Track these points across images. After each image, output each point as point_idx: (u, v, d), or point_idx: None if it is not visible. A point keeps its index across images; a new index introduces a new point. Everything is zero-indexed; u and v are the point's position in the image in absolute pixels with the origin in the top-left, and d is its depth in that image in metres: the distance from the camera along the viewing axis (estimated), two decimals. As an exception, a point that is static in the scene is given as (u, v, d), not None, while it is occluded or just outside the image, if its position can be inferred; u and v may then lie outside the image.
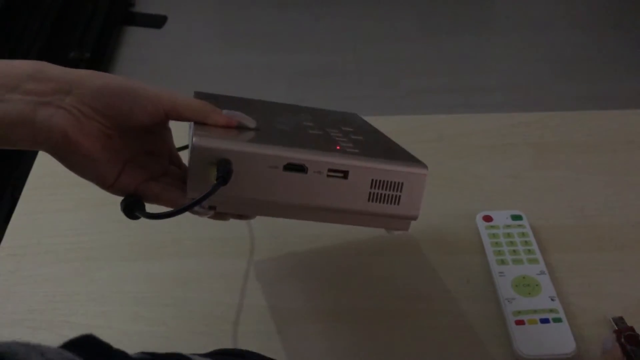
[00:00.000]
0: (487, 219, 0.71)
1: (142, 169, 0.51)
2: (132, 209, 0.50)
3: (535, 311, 0.62)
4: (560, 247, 0.70)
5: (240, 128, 0.51)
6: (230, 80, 2.19)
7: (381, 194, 0.50)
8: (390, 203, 0.51)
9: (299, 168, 0.48)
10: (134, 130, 0.49)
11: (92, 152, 0.47)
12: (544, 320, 0.61)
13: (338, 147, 0.51)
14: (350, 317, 0.64)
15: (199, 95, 0.61)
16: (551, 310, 0.62)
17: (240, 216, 0.55)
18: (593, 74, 2.19)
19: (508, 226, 0.70)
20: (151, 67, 2.25)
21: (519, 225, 0.70)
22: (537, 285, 0.64)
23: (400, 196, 0.51)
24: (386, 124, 0.85)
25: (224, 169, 0.46)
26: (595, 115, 0.85)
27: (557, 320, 0.61)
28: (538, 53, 2.29)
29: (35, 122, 0.44)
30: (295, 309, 0.65)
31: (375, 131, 0.63)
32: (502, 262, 0.67)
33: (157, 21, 2.46)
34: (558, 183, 0.77)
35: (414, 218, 0.52)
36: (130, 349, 0.62)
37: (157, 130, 0.52)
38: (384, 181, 0.50)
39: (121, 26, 2.43)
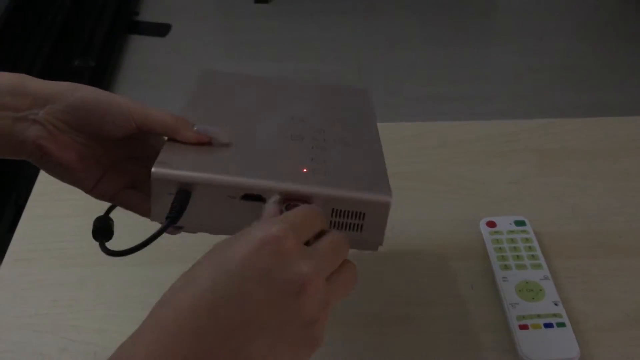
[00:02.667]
0: (491, 224, 0.72)
1: (123, 175, 0.51)
2: (98, 235, 0.52)
3: (539, 316, 0.62)
4: (563, 253, 0.70)
5: (215, 143, 0.50)
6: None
7: (343, 222, 0.48)
8: (353, 230, 0.48)
9: (257, 197, 0.47)
10: (112, 140, 0.50)
11: (66, 162, 0.48)
12: (548, 325, 0.62)
13: (305, 170, 0.49)
14: (354, 322, 0.64)
15: (205, 73, 0.62)
16: (555, 315, 0.63)
17: None
18: (594, 81, 2.19)
19: (511, 232, 0.71)
20: (155, 75, 2.26)
21: (523, 231, 0.71)
22: (540, 290, 0.65)
23: (362, 225, 0.48)
24: (390, 131, 0.86)
25: (177, 207, 0.46)
26: (597, 122, 0.86)
27: (561, 325, 0.62)
28: (540, 61, 2.29)
29: (12, 135, 0.46)
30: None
31: (364, 133, 0.58)
32: (506, 267, 0.67)
33: (161, 30, 2.48)
34: (561, 189, 0.77)
35: (378, 245, 0.50)
36: (137, 353, 0.62)
37: (141, 137, 0.52)
38: (344, 210, 0.47)
39: (126, 34, 2.44)
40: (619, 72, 2.24)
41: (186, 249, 0.71)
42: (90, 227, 0.76)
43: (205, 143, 0.50)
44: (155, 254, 0.71)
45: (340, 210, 0.47)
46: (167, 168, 0.46)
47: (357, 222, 0.48)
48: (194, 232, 0.51)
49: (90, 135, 0.49)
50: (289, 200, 0.46)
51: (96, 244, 0.73)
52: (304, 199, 0.46)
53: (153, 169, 0.46)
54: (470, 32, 2.46)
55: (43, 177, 0.81)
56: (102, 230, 0.54)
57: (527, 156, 0.82)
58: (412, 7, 2.57)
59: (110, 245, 0.51)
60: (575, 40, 2.38)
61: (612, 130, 0.85)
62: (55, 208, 0.77)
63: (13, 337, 0.64)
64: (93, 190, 0.51)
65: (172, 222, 0.46)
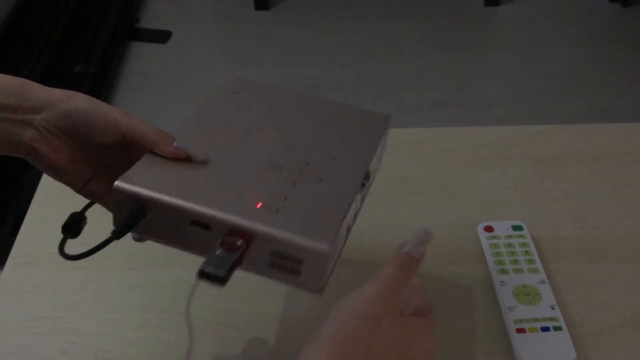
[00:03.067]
0: (489, 229, 0.72)
1: (111, 177, 0.52)
2: (66, 231, 0.56)
3: (536, 319, 0.63)
4: (560, 257, 0.71)
5: (193, 160, 0.52)
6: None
7: (282, 264, 0.47)
8: (291, 274, 0.48)
9: (204, 225, 0.48)
10: (101, 146, 0.52)
11: (58, 164, 0.52)
12: (545, 329, 0.62)
13: (259, 205, 0.49)
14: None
15: (237, 80, 0.63)
16: (552, 319, 0.63)
17: None
18: (593, 88, 2.20)
19: (509, 236, 0.71)
20: (156, 82, 2.27)
21: (520, 236, 0.71)
22: (537, 294, 0.65)
23: (300, 269, 0.47)
24: (390, 137, 0.86)
25: (127, 221, 0.48)
26: (595, 128, 0.87)
27: (558, 328, 0.62)
28: (539, 67, 2.30)
29: (11, 136, 0.50)
30: (301, 316, 0.66)
31: (349, 171, 0.55)
32: (503, 271, 0.68)
33: (161, 37, 2.49)
34: (558, 194, 0.78)
35: (320, 290, 0.48)
36: (137, 356, 0.63)
37: (128, 144, 0.53)
38: (283, 253, 0.47)
39: (126, 41, 2.45)
40: (617, 78, 2.25)
41: (186, 254, 0.72)
42: (92, 231, 0.77)
43: (182, 159, 0.51)
44: (155, 259, 0.72)
45: (280, 252, 0.47)
46: (127, 183, 0.48)
47: (295, 266, 0.47)
48: (156, 242, 0.52)
49: (81, 141, 0.52)
50: (233, 235, 0.47)
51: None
52: (247, 236, 0.47)
53: (115, 182, 0.48)
54: (470, 38, 2.47)
55: (45, 182, 0.82)
56: (71, 227, 0.57)
57: (524, 161, 0.82)
58: (411, 14, 2.58)
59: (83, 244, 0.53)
60: (574, 47, 2.39)
61: (610, 136, 0.86)
62: (57, 213, 0.78)
63: (15, 340, 0.65)
64: (82, 190, 0.54)
65: (115, 237, 0.48)
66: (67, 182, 0.54)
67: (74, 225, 0.58)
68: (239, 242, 0.47)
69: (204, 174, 0.51)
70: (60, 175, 0.53)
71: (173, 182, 0.49)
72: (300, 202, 0.50)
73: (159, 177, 0.50)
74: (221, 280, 0.45)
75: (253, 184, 0.51)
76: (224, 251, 0.46)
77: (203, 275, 0.45)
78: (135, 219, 0.49)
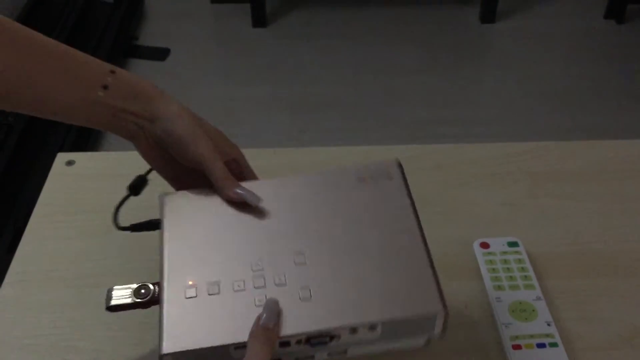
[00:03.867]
0: (484, 245, 0.73)
1: (191, 179, 0.61)
2: (130, 191, 0.65)
3: (532, 336, 0.63)
4: (556, 274, 0.71)
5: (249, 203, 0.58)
6: (232, 112, 2.21)
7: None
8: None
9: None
10: None
11: (150, 161, 0.62)
12: (541, 345, 0.63)
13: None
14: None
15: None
16: (547, 335, 0.63)
17: None
18: (587, 105, 2.22)
19: (505, 252, 0.72)
20: (154, 99, 2.28)
21: (516, 252, 0.72)
22: (533, 310, 0.66)
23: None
24: (385, 154, 0.87)
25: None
26: (589, 144, 0.88)
27: (554, 345, 0.63)
28: (534, 85, 2.32)
29: (126, 129, 0.59)
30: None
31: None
32: (499, 287, 0.68)
33: (160, 54, 2.50)
34: (553, 211, 0.79)
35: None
36: (136, 373, 0.63)
37: None
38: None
39: (125, 58, 2.46)
40: (612, 95, 2.26)
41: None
42: (90, 249, 0.78)
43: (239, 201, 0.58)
44: (154, 276, 0.72)
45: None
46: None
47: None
48: None
49: (170, 154, 0.60)
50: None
51: (96, 265, 0.74)
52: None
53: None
54: (466, 55, 2.49)
55: (44, 199, 0.82)
56: (134, 187, 0.65)
57: (520, 178, 0.83)
58: (408, 31, 2.60)
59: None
60: (570, 64, 2.41)
61: (604, 153, 0.86)
62: (55, 230, 0.78)
63: (13, 358, 0.65)
64: (170, 180, 0.63)
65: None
66: (158, 172, 0.63)
67: (137, 186, 0.66)
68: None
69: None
70: (152, 167, 0.62)
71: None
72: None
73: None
74: None
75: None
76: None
77: None
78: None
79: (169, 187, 0.64)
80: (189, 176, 0.61)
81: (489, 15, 2.60)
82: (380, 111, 2.23)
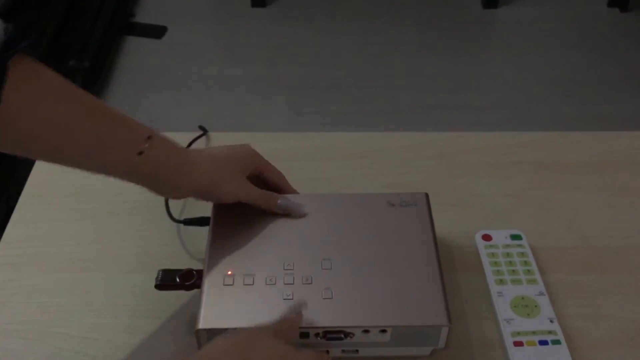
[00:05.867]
0: (487, 238, 0.71)
1: None
2: None
3: (534, 332, 0.62)
4: (559, 268, 0.69)
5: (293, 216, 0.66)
6: (228, 92, 2.19)
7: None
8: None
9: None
10: None
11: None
12: (543, 342, 0.61)
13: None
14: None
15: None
16: (550, 332, 0.62)
17: None
18: (593, 94, 2.19)
19: (507, 246, 0.70)
20: (150, 77, 2.25)
21: (519, 245, 0.70)
22: (536, 306, 0.64)
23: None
24: (386, 141, 0.85)
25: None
26: (596, 136, 0.85)
27: (556, 342, 0.61)
28: (538, 72, 2.29)
29: (161, 191, 0.64)
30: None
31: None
32: (501, 282, 0.66)
33: (157, 32, 2.46)
34: (558, 203, 0.77)
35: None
36: (125, 363, 0.61)
37: None
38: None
39: (121, 36, 2.43)
40: (615, 83, 2.24)
41: (176, 258, 0.71)
42: (81, 232, 0.76)
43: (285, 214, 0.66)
44: (144, 263, 0.70)
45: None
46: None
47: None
48: None
49: None
50: None
51: (86, 250, 0.72)
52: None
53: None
54: (469, 41, 2.46)
55: (34, 179, 0.80)
56: None
57: (524, 169, 0.81)
58: (409, 15, 2.57)
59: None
60: (572, 51, 2.38)
61: (610, 144, 0.84)
62: (46, 212, 0.76)
63: (0, 344, 0.63)
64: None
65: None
66: None
67: None
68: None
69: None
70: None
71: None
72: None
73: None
74: None
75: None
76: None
77: None
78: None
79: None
80: None
81: (491, 0, 2.56)
82: (379, 95, 2.20)
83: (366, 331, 0.57)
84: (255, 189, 0.65)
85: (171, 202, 0.74)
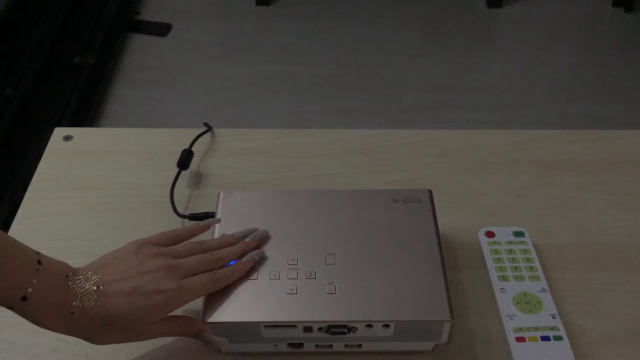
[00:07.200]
0: (490, 234, 0.71)
1: None
2: (180, 167, 0.77)
3: (536, 328, 0.62)
4: (562, 265, 0.69)
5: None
6: (232, 90, 2.19)
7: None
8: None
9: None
10: None
11: None
12: (545, 338, 0.61)
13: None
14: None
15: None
16: (552, 328, 0.62)
17: None
18: (594, 92, 2.19)
19: (510, 242, 0.70)
20: (155, 75, 2.26)
21: (521, 242, 0.70)
22: (538, 302, 0.64)
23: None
24: (389, 138, 0.85)
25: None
26: (599, 134, 0.86)
27: (558, 338, 0.61)
28: (541, 71, 2.29)
29: None
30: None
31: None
32: (504, 278, 0.67)
33: (161, 29, 2.47)
34: (561, 201, 0.77)
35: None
36: (129, 357, 0.62)
37: None
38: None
39: (126, 33, 2.43)
40: (620, 83, 2.24)
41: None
42: (85, 227, 0.76)
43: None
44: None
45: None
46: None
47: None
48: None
49: None
50: None
51: (90, 244, 0.72)
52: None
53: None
54: (472, 40, 2.46)
55: (39, 175, 0.80)
56: (183, 163, 0.78)
57: (527, 167, 0.81)
58: (413, 13, 2.57)
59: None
60: (577, 51, 2.38)
61: (613, 143, 0.84)
62: (51, 207, 0.77)
63: (5, 337, 0.64)
64: None
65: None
66: None
67: (185, 161, 0.78)
68: None
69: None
70: None
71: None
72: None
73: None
74: None
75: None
76: None
77: None
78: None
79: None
80: None
81: (495, -1, 2.56)
82: (382, 93, 2.20)
83: (369, 326, 0.58)
84: (169, 324, 0.58)
85: (176, 197, 0.75)
